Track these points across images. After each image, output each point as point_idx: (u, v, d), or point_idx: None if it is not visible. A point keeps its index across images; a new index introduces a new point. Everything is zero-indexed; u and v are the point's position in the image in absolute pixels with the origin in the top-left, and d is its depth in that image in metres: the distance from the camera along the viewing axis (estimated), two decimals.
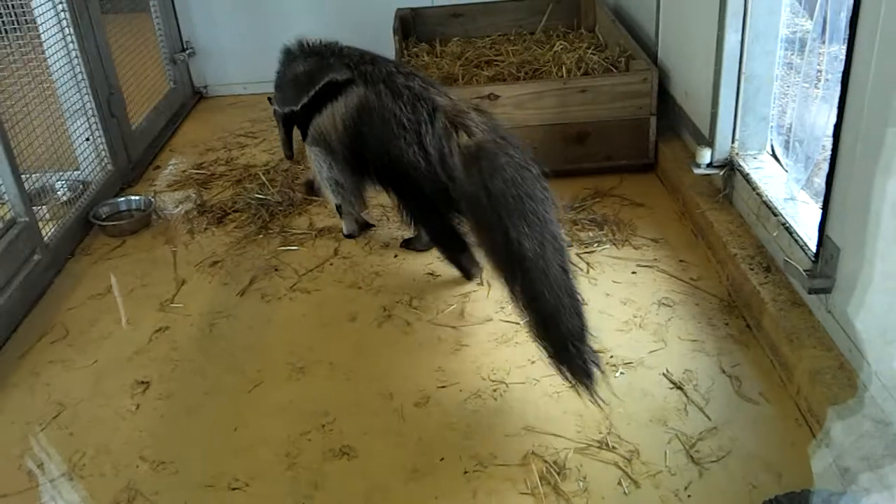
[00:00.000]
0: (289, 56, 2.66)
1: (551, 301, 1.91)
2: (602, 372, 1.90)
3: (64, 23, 3.00)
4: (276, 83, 2.72)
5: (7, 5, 2.88)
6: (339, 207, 2.79)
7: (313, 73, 2.55)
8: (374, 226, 2.92)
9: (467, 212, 2.23)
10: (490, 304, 2.43)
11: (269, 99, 2.82)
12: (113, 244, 2.94)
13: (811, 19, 2.25)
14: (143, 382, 2.22)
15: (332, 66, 2.52)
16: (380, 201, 3.06)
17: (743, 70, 2.48)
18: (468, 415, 2.01)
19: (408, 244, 2.77)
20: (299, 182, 3.23)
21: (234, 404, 2.11)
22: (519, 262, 1.94)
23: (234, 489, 1.85)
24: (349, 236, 2.87)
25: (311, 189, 3.09)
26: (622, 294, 2.42)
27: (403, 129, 2.35)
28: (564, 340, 1.89)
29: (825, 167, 1.95)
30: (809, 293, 2.02)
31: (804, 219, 2.19)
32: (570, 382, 1.89)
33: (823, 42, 2.16)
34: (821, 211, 1.94)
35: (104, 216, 3.08)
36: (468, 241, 2.46)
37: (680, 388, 2.02)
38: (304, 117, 2.61)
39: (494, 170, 2.05)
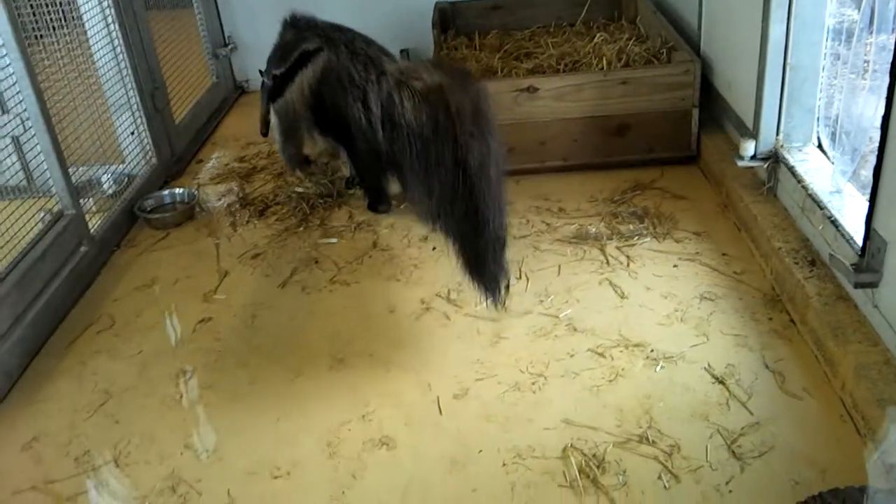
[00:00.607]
0: (282, 29, 2.94)
1: (484, 213, 2.17)
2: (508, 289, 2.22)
3: (109, 19, 3.05)
4: (269, 56, 3.00)
5: (55, 3, 2.94)
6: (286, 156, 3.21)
7: (290, 45, 2.86)
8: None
9: (417, 147, 2.41)
10: (529, 297, 2.42)
11: (260, 71, 3.06)
12: (157, 236, 3.00)
13: (858, 9, 2.20)
14: (187, 372, 2.26)
15: (306, 38, 2.82)
16: None
17: (788, 61, 2.43)
18: (506, 407, 2.01)
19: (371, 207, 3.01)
20: (339, 175, 3.26)
21: (276, 394, 2.14)
22: (463, 176, 2.18)
23: (276, 477, 1.88)
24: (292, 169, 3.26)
25: (351, 183, 3.16)
26: (663, 288, 2.40)
27: (353, 85, 2.66)
28: (480, 260, 2.19)
29: (872, 159, 1.91)
30: (855, 287, 1.98)
31: (850, 212, 2.15)
32: (482, 292, 2.20)
33: (871, 32, 2.11)
34: (868, 204, 1.90)
35: (149, 209, 3.14)
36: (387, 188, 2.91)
37: (722, 382, 2.00)
38: (280, 86, 2.91)
39: (448, 100, 2.30)
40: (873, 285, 1.91)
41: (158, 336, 2.44)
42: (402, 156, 2.51)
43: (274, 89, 2.95)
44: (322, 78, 2.76)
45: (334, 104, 2.74)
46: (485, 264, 2.19)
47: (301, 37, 2.84)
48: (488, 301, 2.22)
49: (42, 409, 2.18)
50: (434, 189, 2.33)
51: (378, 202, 3.00)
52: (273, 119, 3.07)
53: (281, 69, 2.88)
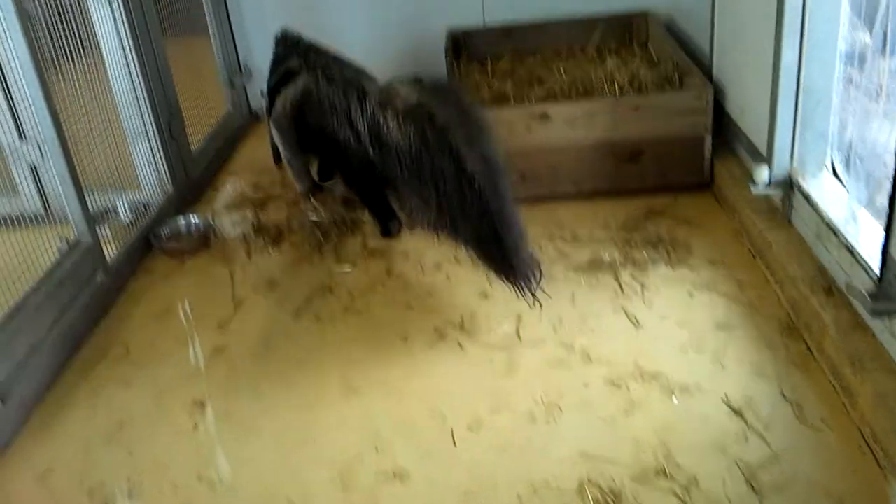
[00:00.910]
0: (275, 43, 3.13)
1: (501, 212, 2.25)
2: (541, 276, 2.30)
3: (127, 46, 3.09)
4: (270, 67, 3.18)
5: (73, 30, 2.98)
6: (293, 168, 3.31)
7: (278, 62, 3.03)
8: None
9: (408, 164, 2.49)
10: (544, 325, 2.41)
11: (261, 92, 3.29)
12: (173, 264, 3.01)
13: (871, 33, 2.20)
14: (200, 402, 2.26)
15: (290, 57, 2.97)
16: None
17: (801, 86, 2.43)
18: (521, 438, 1.99)
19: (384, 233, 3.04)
20: (339, 197, 3.30)
21: (290, 424, 2.13)
22: (469, 182, 2.26)
23: None
24: (303, 193, 3.35)
25: (348, 204, 3.26)
26: (678, 316, 2.38)
27: (334, 110, 2.75)
28: (506, 257, 2.27)
29: (887, 185, 1.90)
30: (872, 316, 1.96)
31: (866, 239, 2.13)
32: (515, 290, 2.31)
33: (884, 56, 2.11)
34: (884, 231, 1.88)
35: (164, 236, 3.16)
36: (392, 205, 2.95)
37: (739, 413, 1.98)
38: (270, 98, 3.09)
39: (433, 116, 2.38)
40: (891, 314, 1.89)
41: (173, 365, 2.44)
42: (395, 172, 2.58)
43: (268, 104, 3.14)
44: (302, 100, 2.89)
45: (321, 128, 2.84)
46: (514, 260, 2.27)
47: (287, 54, 3.00)
48: (526, 295, 2.31)
49: (57, 438, 2.18)
50: (438, 200, 2.40)
51: (387, 222, 3.02)
52: (274, 134, 3.21)
53: (270, 84, 3.08)
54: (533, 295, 2.29)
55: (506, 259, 2.30)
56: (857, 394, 1.90)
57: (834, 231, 2.21)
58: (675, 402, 2.04)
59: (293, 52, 2.97)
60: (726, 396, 2.04)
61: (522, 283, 2.29)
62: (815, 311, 2.14)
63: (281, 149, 3.26)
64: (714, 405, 2.02)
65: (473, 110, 2.43)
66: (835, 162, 2.50)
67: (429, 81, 2.56)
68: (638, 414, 2.02)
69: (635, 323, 2.37)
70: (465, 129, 2.34)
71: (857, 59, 2.38)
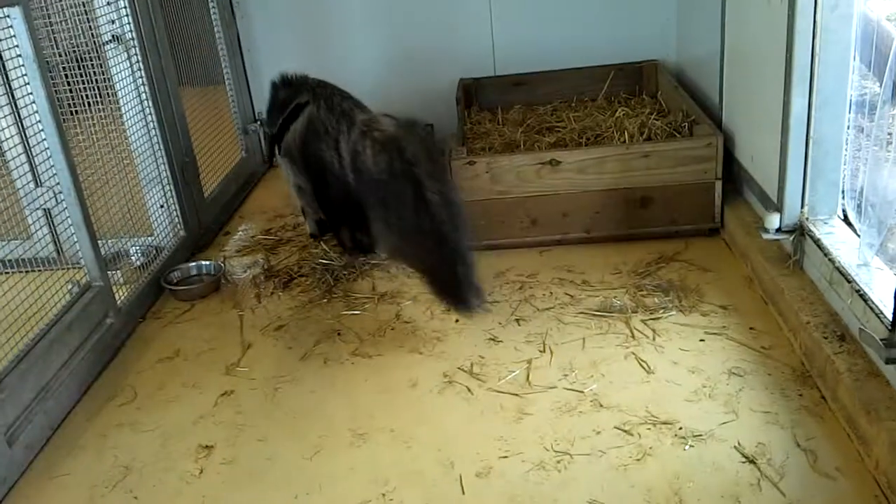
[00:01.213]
0: (274, 88, 3.28)
1: (454, 241, 2.48)
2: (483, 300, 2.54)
3: (143, 95, 3.15)
4: (266, 110, 3.39)
5: (91, 80, 3.04)
6: (303, 210, 3.41)
7: (287, 100, 3.17)
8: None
9: (375, 191, 2.70)
10: (554, 371, 2.39)
11: (260, 122, 3.44)
12: (183, 308, 3.02)
13: (880, 82, 2.21)
14: (207, 447, 2.24)
15: (300, 93, 3.14)
16: None
17: (811, 134, 2.44)
18: (531, 487, 1.96)
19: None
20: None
21: (296, 471, 2.11)
22: (425, 212, 2.49)
23: None
24: (313, 236, 3.43)
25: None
26: (690, 363, 2.36)
27: (327, 134, 2.96)
28: (456, 285, 2.49)
29: None
30: (886, 363, 1.93)
31: (879, 285, 2.11)
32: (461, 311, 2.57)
33: (893, 105, 2.12)
34: None
35: (175, 280, 3.17)
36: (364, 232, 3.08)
37: (752, 462, 1.94)
38: (279, 135, 3.21)
39: (402, 149, 2.61)
40: None
41: (180, 409, 2.43)
42: (366, 197, 2.77)
43: (276, 138, 3.27)
44: (308, 126, 3.09)
45: (315, 150, 3.05)
46: (462, 288, 2.50)
47: (296, 92, 3.18)
48: (467, 317, 2.61)
49: (61, 483, 2.16)
50: (399, 226, 2.62)
51: (353, 247, 3.24)
52: (284, 169, 3.35)
53: (274, 123, 3.25)
54: (471, 317, 2.59)
55: (455, 286, 2.51)
56: (872, 442, 1.86)
57: (846, 277, 2.20)
58: (688, 449, 2.01)
59: (302, 88, 3.16)
60: (739, 444, 2.00)
61: (466, 310, 2.55)
62: (828, 358, 2.11)
63: (290, 184, 3.35)
64: (727, 453, 1.98)
65: (438, 150, 2.75)
66: (846, 209, 2.50)
67: (403, 119, 2.80)
68: (650, 462, 1.98)
69: (647, 369, 2.35)
70: (429, 165, 2.58)
71: (867, 107, 2.39)
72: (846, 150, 2.46)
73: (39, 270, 2.66)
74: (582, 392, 2.28)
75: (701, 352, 2.40)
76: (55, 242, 3.00)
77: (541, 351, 2.50)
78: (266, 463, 2.15)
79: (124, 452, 2.26)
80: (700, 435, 2.05)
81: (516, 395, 2.31)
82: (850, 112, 2.41)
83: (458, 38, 4.19)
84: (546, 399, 2.27)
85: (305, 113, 3.09)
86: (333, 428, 2.26)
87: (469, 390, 2.35)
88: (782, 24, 2.41)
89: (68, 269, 2.75)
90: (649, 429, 2.10)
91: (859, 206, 2.37)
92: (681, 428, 2.09)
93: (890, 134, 2.17)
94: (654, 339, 2.49)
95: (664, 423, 2.11)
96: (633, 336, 2.51)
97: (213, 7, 4.00)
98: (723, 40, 3.16)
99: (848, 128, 2.44)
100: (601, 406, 2.21)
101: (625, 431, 2.10)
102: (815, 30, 2.32)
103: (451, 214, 2.50)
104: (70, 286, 2.62)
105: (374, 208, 2.71)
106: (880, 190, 2.17)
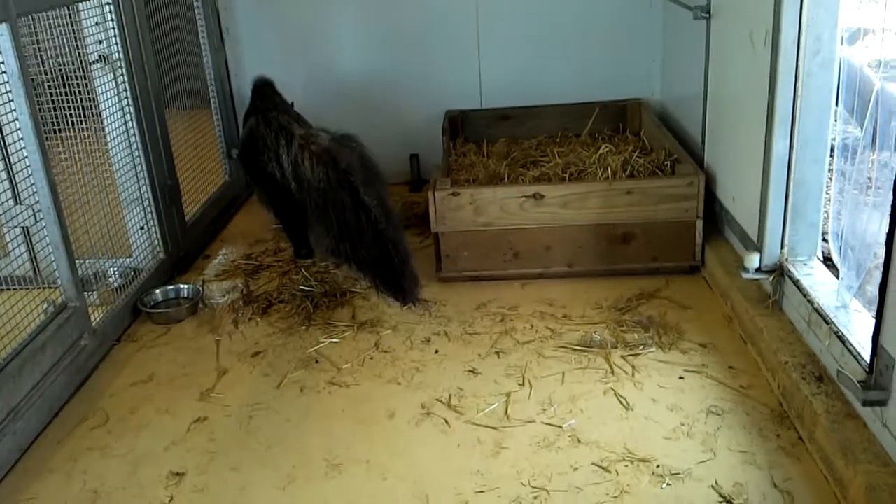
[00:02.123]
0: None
1: (392, 239, 2.76)
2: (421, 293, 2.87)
3: (128, 116, 3.13)
4: None
5: (76, 99, 3.03)
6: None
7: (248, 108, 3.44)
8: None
9: (315, 198, 2.94)
10: (532, 405, 2.38)
11: None
12: (159, 331, 2.98)
13: (861, 127, 2.24)
14: (178, 474, 2.20)
15: (251, 102, 3.41)
16: (422, 296, 3.07)
17: (792, 176, 2.47)
18: None
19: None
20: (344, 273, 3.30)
21: (268, 501, 2.07)
22: (365, 214, 2.77)
23: None
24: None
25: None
26: (669, 400, 2.35)
27: (268, 147, 3.14)
28: (396, 277, 2.78)
29: (877, 275, 1.91)
30: (864, 405, 1.94)
31: (857, 327, 2.12)
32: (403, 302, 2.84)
33: (874, 149, 2.15)
34: (874, 320, 1.88)
35: (152, 303, 3.13)
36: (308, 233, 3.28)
37: (730, 501, 1.93)
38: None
39: (337, 159, 2.88)
40: (882, 403, 1.87)
41: (152, 435, 2.38)
42: (308, 204, 3.00)
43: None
44: (247, 139, 3.32)
45: (259, 163, 3.21)
46: (401, 279, 2.78)
47: (250, 101, 3.45)
48: (410, 306, 2.86)
49: None
50: (338, 228, 2.87)
51: (299, 248, 3.44)
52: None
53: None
54: (415, 306, 2.85)
55: (396, 278, 2.79)
56: (848, 485, 1.86)
57: (825, 319, 2.21)
58: (665, 488, 2.00)
59: (255, 99, 3.41)
60: (717, 484, 1.99)
61: (408, 300, 2.82)
62: (806, 399, 2.12)
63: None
64: (704, 493, 1.97)
65: (372, 160, 2.97)
66: (826, 251, 2.52)
67: (339, 134, 3.05)
68: (627, 499, 1.97)
69: (626, 405, 2.34)
70: (363, 172, 2.87)
71: (848, 151, 2.42)
72: (827, 192, 2.49)
73: (15, 289, 2.62)
74: (560, 427, 2.26)
75: (680, 389, 2.40)
76: (32, 261, 2.96)
77: (520, 384, 2.49)
78: (238, 492, 2.11)
79: (94, 477, 2.21)
80: (678, 473, 2.04)
81: (494, 428, 2.29)
82: (831, 155, 2.44)
83: (446, 70, 4.23)
84: (524, 433, 2.26)
85: (248, 125, 3.35)
86: (308, 458, 2.22)
87: (447, 422, 2.33)
88: (765, 67, 2.45)
89: (44, 288, 2.71)
90: (627, 466, 2.09)
91: (839, 248, 2.40)
92: (658, 466, 2.08)
93: (870, 178, 2.20)
94: (633, 375, 2.49)
95: (642, 460, 2.10)
96: (612, 372, 2.51)
97: (203, 31, 4.00)
98: (706, 81, 3.21)
99: (829, 171, 2.47)
100: (579, 442, 2.20)
101: (602, 468, 2.09)
102: (798, 74, 2.36)
103: (387, 215, 2.80)
104: (45, 306, 2.59)
105: (314, 214, 2.98)
106: (860, 233, 2.19)
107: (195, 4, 3.93)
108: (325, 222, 2.93)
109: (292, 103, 3.47)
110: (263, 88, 3.43)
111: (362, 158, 2.94)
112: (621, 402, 2.36)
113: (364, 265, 2.88)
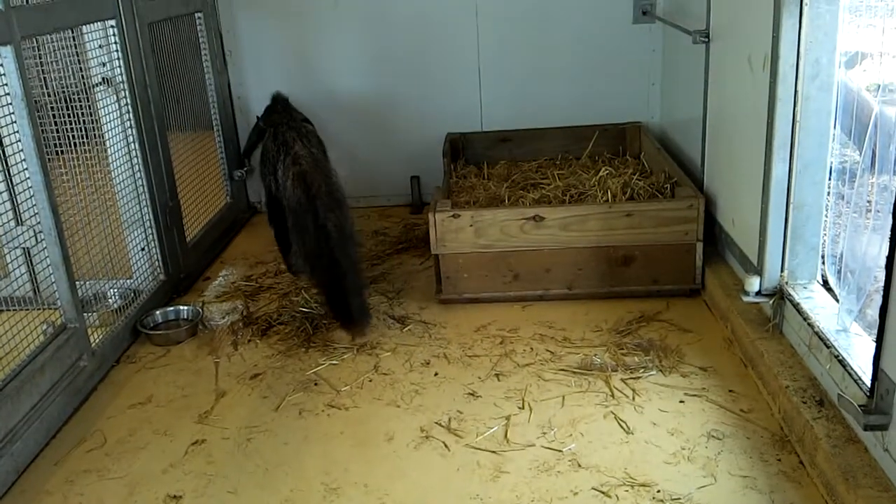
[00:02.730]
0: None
1: (343, 265, 2.88)
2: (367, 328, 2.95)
3: (130, 138, 3.15)
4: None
5: (79, 121, 3.04)
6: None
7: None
8: None
9: (290, 216, 3.07)
10: (532, 428, 2.36)
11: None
12: (158, 353, 2.98)
13: (860, 150, 2.25)
14: (175, 497, 2.18)
15: (266, 115, 3.58)
16: (422, 318, 3.07)
17: (791, 199, 2.47)
18: None
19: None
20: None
21: None
22: (324, 239, 2.90)
23: None
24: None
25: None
26: (669, 424, 2.34)
27: (270, 161, 3.28)
28: (346, 303, 2.88)
29: (878, 299, 1.90)
30: (865, 430, 1.92)
31: (858, 351, 2.12)
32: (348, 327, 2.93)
33: (873, 173, 2.15)
34: (875, 344, 1.88)
35: (152, 325, 3.13)
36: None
37: None
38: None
39: (309, 184, 2.99)
40: (883, 428, 1.86)
41: (149, 457, 2.37)
42: (289, 221, 3.11)
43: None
44: (262, 151, 3.44)
45: (263, 173, 3.41)
46: (350, 305, 2.88)
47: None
48: (353, 335, 2.93)
49: None
50: (304, 248, 3.01)
51: (287, 259, 3.55)
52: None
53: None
54: (359, 336, 2.92)
55: (346, 304, 2.88)
56: None
57: (825, 343, 2.20)
58: None
59: (271, 114, 3.55)
60: None
61: (355, 328, 2.91)
62: (807, 423, 2.11)
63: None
64: None
65: (338, 187, 3.08)
66: (826, 274, 2.52)
67: (320, 156, 3.20)
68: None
69: (626, 429, 2.33)
70: (327, 198, 2.97)
71: (847, 175, 2.43)
72: (826, 216, 2.50)
73: (15, 310, 2.62)
74: (560, 451, 2.25)
75: (680, 413, 2.39)
76: (32, 282, 2.96)
77: (520, 407, 2.47)
78: None
79: (90, 500, 2.20)
80: (678, 498, 2.03)
81: (494, 452, 2.27)
82: (830, 179, 2.45)
83: (447, 93, 4.25)
84: (524, 457, 2.24)
85: (265, 139, 3.47)
86: (306, 481, 2.21)
87: (446, 446, 2.32)
88: (764, 91, 2.46)
89: (44, 309, 2.71)
90: (627, 490, 2.07)
91: (839, 271, 2.39)
92: (659, 491, 2.06)
93: (869, 201, 2.20)
94: (633, 398, 2.47)
95: (642, 485, 2.09)
96: (612, 395, 2.50)
97: (205, 53, 4.03)
98: (706, 105, 3.22)
99: (828, 194, 2.47)
100: (579, 466, 2.18)
101: (602, 493, 2.07)
102: (797, 97, 2.37)
103: (344, 242, 2.92)
104: (45, 327, 2.58)
105: (292, 232, 3.12)
106: (859, 256, 2.19)
107: (198, 28, 3.96)
108: (296, 240, 3.11)
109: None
110: (281, 103, 3.57)
111: (329, 185, 3.04)
112: (621, 426, 2.35)
113: (320, 286, 3.02)
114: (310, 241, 2.95)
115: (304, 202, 2.96)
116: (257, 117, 3.66)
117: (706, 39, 3.12)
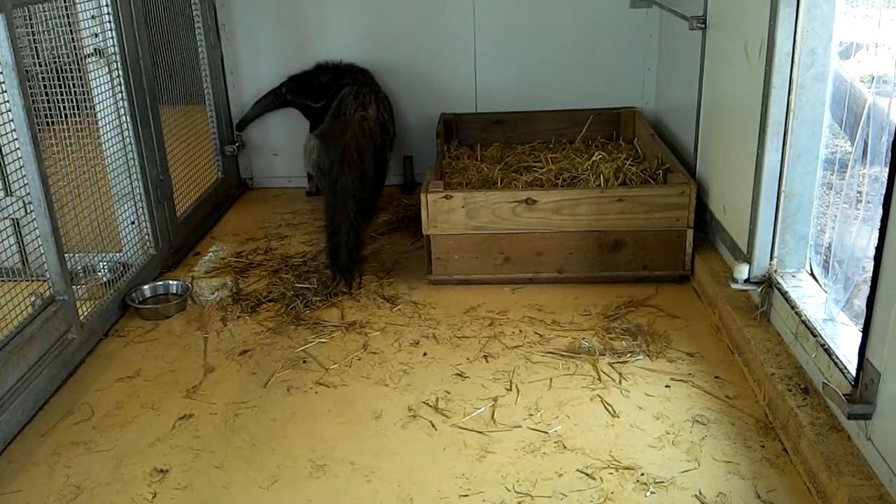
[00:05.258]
0: (319, 68, 4.05)
1: (339, 220, 3.21)
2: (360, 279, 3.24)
3: (122, 111, 3.12)
4: (299, 79, 4.08)
5: (70, 92, 3.01)
6: (309, 175, 4.27)
7: (332, 84, 3.94)
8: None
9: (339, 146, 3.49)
10: (519, 410, 2.38)
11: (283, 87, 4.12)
12: (146, 327, 2.97)
13: (852, 141, 2.26)
14: (162, 470, 2.19)
15: (343, 78, 3.92)
16: (412, 298, 3.07)
17: (783, 188, 2.48)
18: None
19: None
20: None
21: (251, 500, 2.07)
22: (333, 195, 3.33)
23: None
24: (309, 193, 4.34)
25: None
26: (655, 408, 2.36)
27: (343, 115, 3.68)
28: (341, 247, 3.19)
29: (865, 289, 1.92)
30: (849, 418, 1.95)
31: (844, 341, 2.14)
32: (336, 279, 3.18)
33: (864, 164, 2.16)
34: (861, 334, 1.89)
35: (141, 299, 3.12)
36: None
37: None
38: (320, 112, 3.95)
39: (332, 149, 3.54)
40: (867, 417, 1.88)
41: (137, 430, 2.37)
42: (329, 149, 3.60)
43: (312, 112, 4.07)
44: (339, 102, 3.81)
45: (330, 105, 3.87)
46: (338, 258, 3.17)
47: (339, 77, 3.95)
48: (341, 287, 3.16)
49: (10, 501, 2.10)
50: (326, 204, 3.47)
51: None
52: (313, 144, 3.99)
53: (322, 101, 3.95)
54: (349, 292, 3.17)
55: (336, 256, 3.18)
56: (832, 497, 1.87)
57: (812, 331, 2.22)
58: (649, 496, 2.00)
59: (346, 75, 3.94)
60: (700, 493, 2.00)
61: (342, 279, 3.16)
62: (791, 410, 2.13)
63: (313, 154, 4.01)
64: (688, 502, 1.98)
65: (352, 149, 3.45)
66: (814, 264, 2.53)
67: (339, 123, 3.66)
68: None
69: (612, 412, 2.35)
70: (345, 166, 3.35)
71: (837, 165, 2.44)
72: (816, 205, 2.51)
73: (3, 281, 2.60)
74: (546, 433, 2.27)
75: (666, 398, 2.41)
76: (21, 253, 2.95)
77: (507, 389, 2.49)
78: (221, 490, 2.11)
79: (77, 472, 2.20)
80: (662, 482, 2.05)
81: (480, 432, 2.29)
82: (821, 169, 2.46)
83: (442, 74, 4.23)
84: (510, 438, 2.26)
85: (342, 92, 3.82)
86: (293, 458, 2.22)
87: (433, 425, 2.33)
88: (759, 79, 2.46)
89: (33, 280, 2.70)
90: (612, 473, 2.09)
91: (827, 261, 2.41)
92: (643, 474, 2.08)
93: (860, 192, 2.21)
94: (620, 382, 2.49)
95: (627, 468, 2.11)
96: (599, 378, 2.51)
97: (199, 28, 4.00)
98: (700, 92, 3.22)
99: (819, 184, 2.48)
100: (565, 448, 2.20)
101: (587, 475, 2.09)
102: (791, 87, 2.37)
103: (346, 203, 3.24)
104: (33, 298, 2.57)
105: (324, 151, 3.67)
106: (848, 247, 2.20)
107: (192, 0, 3.92)
108: (323, 157, 3.65)
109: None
110: (350, 67, 3.99)
111: (358, 149, 3.43)
112: (608, 410, 2.36)
113: (325, 231, 3.43)
114: (328, 198, 3.42)
115: (325, 164, 3.46)
116: (281, 84, 4.02)
117: (703, 26, 3.11)
